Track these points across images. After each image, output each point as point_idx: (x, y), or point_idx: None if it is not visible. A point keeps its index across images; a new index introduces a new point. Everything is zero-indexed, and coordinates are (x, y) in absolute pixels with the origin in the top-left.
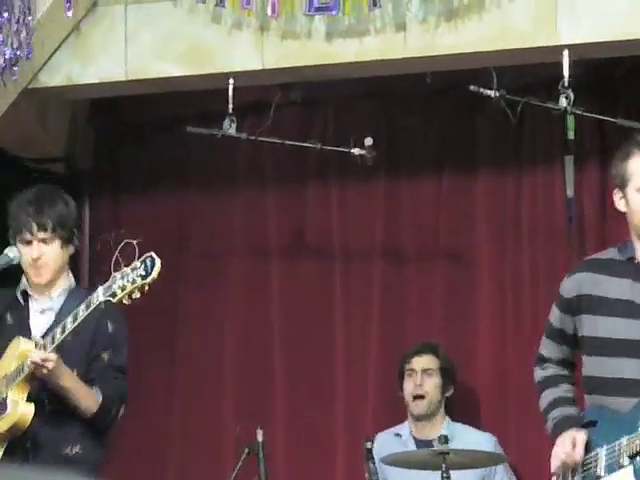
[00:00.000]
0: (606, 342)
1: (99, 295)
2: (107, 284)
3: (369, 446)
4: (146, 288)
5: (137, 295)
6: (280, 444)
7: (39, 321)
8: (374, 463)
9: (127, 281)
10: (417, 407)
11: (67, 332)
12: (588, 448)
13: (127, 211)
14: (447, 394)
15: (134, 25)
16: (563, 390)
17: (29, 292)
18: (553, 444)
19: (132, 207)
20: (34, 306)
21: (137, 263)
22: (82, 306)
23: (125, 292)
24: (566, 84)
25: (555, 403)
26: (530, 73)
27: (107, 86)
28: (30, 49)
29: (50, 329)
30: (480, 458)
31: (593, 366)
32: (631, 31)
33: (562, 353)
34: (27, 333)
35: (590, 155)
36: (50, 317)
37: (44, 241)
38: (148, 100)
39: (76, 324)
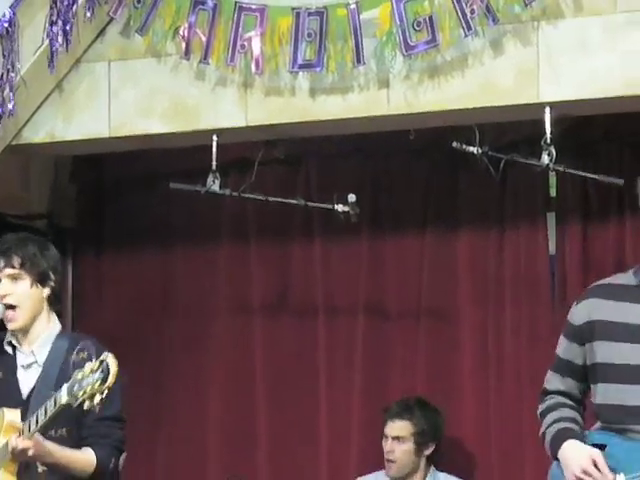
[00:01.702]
0: (625, 369)
1: (63, 396)
2: (69, 384)
3: None
4: (105, 392)
5: (98, 399)
6: None
7: (26, 376)
8: None
9: (87, 384)
10: (389, 470)
11: (40, 424)
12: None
13: (110, 268)
14: (426, 452)
15: (117, 82)
16: (563, 412)
17: (14, 342)
18: (552, 454)
19: (115, 264)
20: (20, 359)
21: (95, 364)
22: (50, 402)
23: (86, 395)
24: (548, 141)
25: (554, 421)
26: (512, 130)
27: (90, 143)
28: (13, 105)
29: (36, 387)
30: None
31: (608, 394)
32: (611, 88)
33: (565, 385)
34: (16, 390)
35: (572, 211)
36: (35, 372)
37: (13, 278)
38: (131, 156)
39: (46, 420)
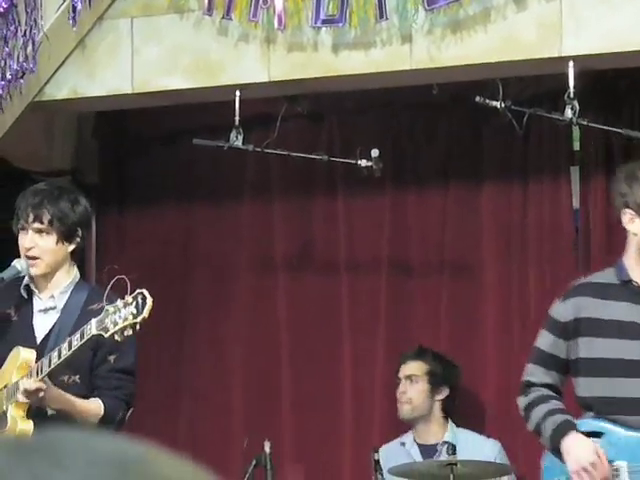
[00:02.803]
0: (608, 363)
1: (92, 328)
2: (100, 317)
3: (377, 457)
4: (137, 327)
5: (129, 332)
6: (287, 456)
7: (42, 321)
8: (382, 474)
9: (119, 317)
10: (401, 412)
11: (59, 361)
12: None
13: (133, 224)
14: (439, 397)
15: (140, 38)
16: (554, 404)
17: (32, 288)
18: (552, 446)
19: (138, 220)
20: (37, 304)
21: (129, 299)
22: (77, 335)
23: (117, 328)
24: (571, 95)
25: (549, 413)
26: (535, 84)
27: (113, 99)
28: (36, 62)
29: (53, 330)
30: (488, 469)
31: (593, 387)
32: (635, 42)
33: (550, 378)
34: (30, 333)
35: (596, 166)
36: (53, 317)
37: (39, 232)
38: (154, 113)
39: (69, 354)
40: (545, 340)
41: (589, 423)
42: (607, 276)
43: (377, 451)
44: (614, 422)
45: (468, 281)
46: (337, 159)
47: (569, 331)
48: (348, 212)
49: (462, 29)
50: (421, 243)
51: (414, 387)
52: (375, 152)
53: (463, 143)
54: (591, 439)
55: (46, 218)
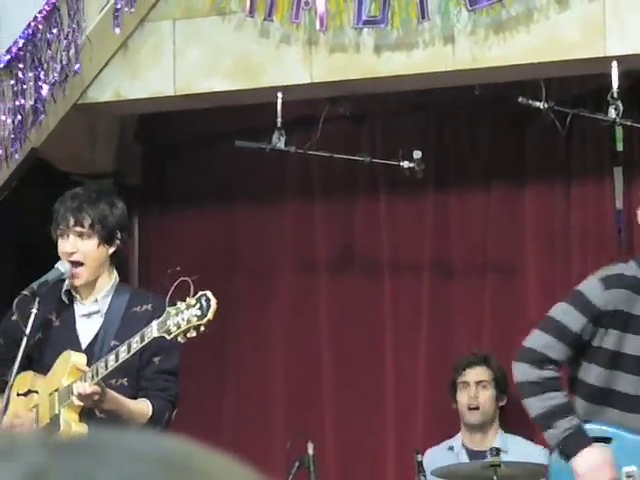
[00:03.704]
0: (637, 360)
1: (153, 330)
2: (161, 319)
3: (420, 459)
4: (202, 328)
5: (193, 334)
6: (330, 457)
7: (86, 325)
8: (425, 476)
9: (182, 319)
10: (472, 417)
11: (116, 364)
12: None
13: (175, 226)
14: (501, 404)
15: (182, 40)
16: (564, 395)
17: (73, 293)
18: (564, 455)
19: (180, 222)
20: (79, 309)
21: (192, 300)
22: (136, 337)
23: (180, 330)
24: (615, 95)
25: (561, 411)
26: (578, 84)
27: (155, 101)
28: (79, 65)
29: (99, 335)
30: (531, 470)
31: (614, 381)
32: None
33: (568, 357)
34: (75, 338)
35: (639, 166)
36: (97, 321)
37: (80, 236)
38: (196, 115)
39: (129, 356)
40: (574, 319)
41: (599, 429)
42: (633, 270)
43: (420, 453)
44: (627, 426)
45: (511, 283)
46: (379, 161)
47: (604, 320)
48: (390, 214)
49: (505, 29)
50: (464, 244)
51: (485, 393)
52: (417, 153)
53: (506, 144)
54: (601, 444)
55: (87, 222)
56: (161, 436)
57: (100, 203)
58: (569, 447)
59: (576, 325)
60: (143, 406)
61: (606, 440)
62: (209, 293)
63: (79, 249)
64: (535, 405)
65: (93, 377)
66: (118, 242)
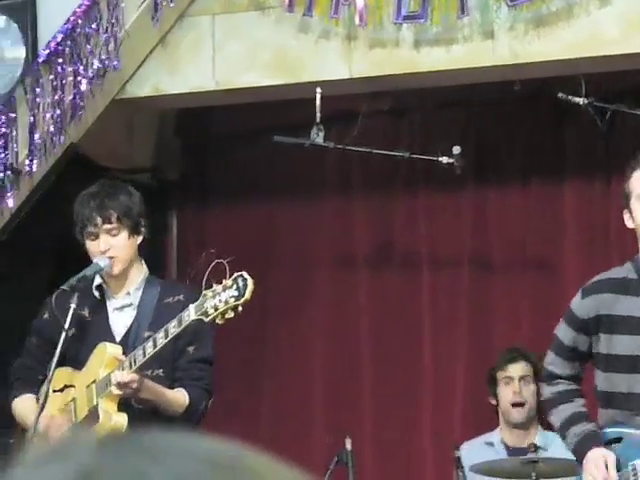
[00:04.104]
0: (627, 359)
1: (191, 313)
2: (198, 302)
3: (458, 454)
4: (239, 309)
5: (230, 315)
6: (368, 453)
7: (119, 319)
8: (463, 471)
9: (219, 300)
10: (518, 414)
11: (154, 351)
12: (617, 466)
13: (214, 221)
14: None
15: (222, 35)
16: (578, 405)
17: (104, 288)
18: (578, 461)
19: (219, 217)
20: (112, 303)
21: (228, 282)
22: (174, 322)
23: (218, 311)
24: None
25: (573, 419)
26: (619, 80)
27: (194, 96)
28: (118, 60)
29: (132, 327)
30: (571, 467)
31: (612, 382)
32: None
33: (572, 369)
34: (109, 332)
35: None
36: (130, 313)
37: (110, 232)
38: (235, 110)
39: (167, 341)
40: (565, 333)
41: (612, 431)
42: (625, 271)
43: (458, 448)
44: (632, 423)
45: (550, 279)
46: (418, 156)
47: (590, 327)
48: (429, 209)
49: (545, 25)
50: (502, 240)
51: (529, 388)
52: (457, 149)
53: (545, 140)
54: (612, 446)
55: (114, 217)
56: (211, 437)
57: (120, 195)
58: (578, 452)
59: (566, 338)
60: (180, 395)
61: (618, 441)
62: (245, 273)
63: (112, 245)
64: (553, 420)
65: (131, 366)
66: (143, 230)
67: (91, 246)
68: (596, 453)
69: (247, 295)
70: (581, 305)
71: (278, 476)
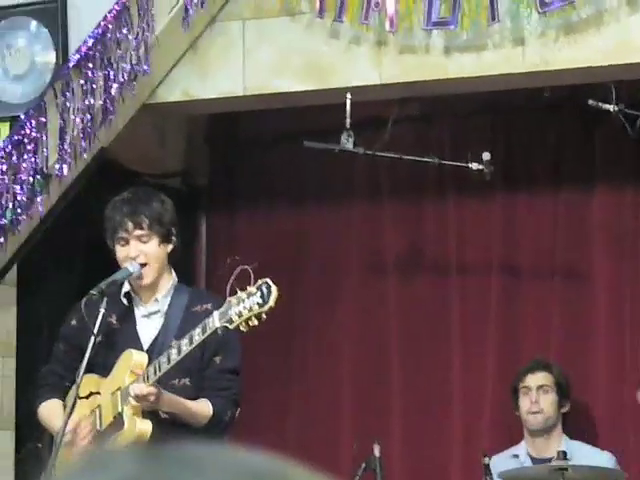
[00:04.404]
0: None
1: (215, 320)
2: (222, 309)
3: (486, 462)
4: (263, 316)
5: (255, 322)
6: (396, 459)
7: (147, 326)
8: (492, 478)
9: (244, 307)
10: (535, 420)
11: (178, 358)
12: None
13: (243, 226)
14: (563, 410)
15: (252, 40)
16: None
17: (132, 295)
18: None
19: (248, 222)
20: (140, 310)
21: (252, 289)
22: (198, 329)
23: (242, 319)
24: None
25: None
26: None
27: (224, 101)
28: (148, 65)
29: (160, 334)
30: (599, 475)
31: None
32: None
33: None
34: (136, 339)
35: None
36: (157, 321)
37: (141, 239)
38: (265, 115)
39: (191, 348)
40: None
41: None
42: None
43: (487, 455)
44: None
45: (579, 285)
46: (448, 162)
47: None
48: (458, 215)
49: (575, 32)
50: (532, 247)
51: (547, 397)
52: (486, 155)
53: (575, 146)
54: None
55: (145, 223)
56: (251, 451)
57: (152, 202)
58: None
59: None
60: (204, 406)
61: None
62: (269, 280)
63: (142, 251)
64: None
65: (155, 372)
66: (174, 239)
67: (121, 252)
68: None
69: (271, 302)
70: None
71: None
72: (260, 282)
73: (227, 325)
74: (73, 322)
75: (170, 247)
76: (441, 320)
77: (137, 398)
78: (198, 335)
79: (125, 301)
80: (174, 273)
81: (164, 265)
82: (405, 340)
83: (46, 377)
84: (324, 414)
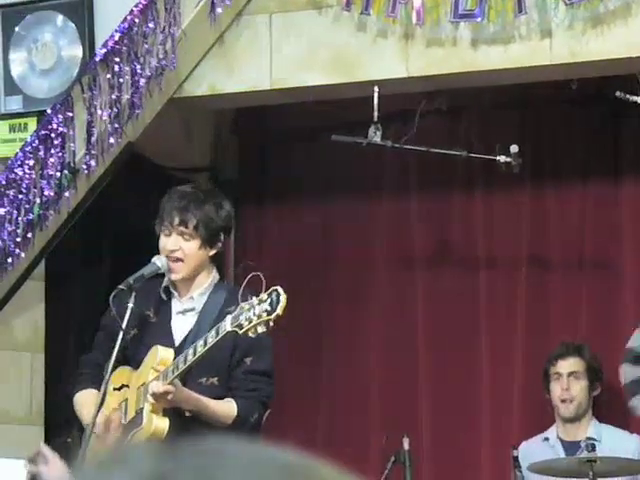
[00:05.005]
0: None
1: (227, 324)
2: (235, 313)
3: (515, 454)
4: (271, 324)
5: (262, 329)
6: (425, 452)
7: (180, 323)
8: (521, 471)
9: (253, 314)
10: (566, 409)
11: (194, 359)
12: None
13: (272, 220)
14: (595, 393)
15: (279, 34)
16: None
17: (171, 290)
18: None
19: (277, 216)
20: (176, 306)
21: (264, 295)
22: (212, 332)
23: (251, 325)
24: None
25: None
26: None
27: (251, 95)
28: (175, 59)
29: (191, 332)
30: (628, 465)
31: None
32: None
33: None
34: (169, 335)
35: None
36: (191, 319)
37: (183, 235)
38: (292, 109)
39: (204, 350)
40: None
41: None
42: None
43: (516, 448)
44: None
45: (608, 278)
46: (476, 155)
47: None
48: (486, 208)
49: (602, 23)
50: (560, 239)
51: (578, 384)
52: (514, 148)
53: (603, 138)
54: None
55: (192, 223)
56: (277, 447)
57: (206, 204)
58: None
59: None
60: (227, 406)
61: None
62: (279, 289)
63: (181, 247)
64: (634, 404)
65: (173, 371)
66: (220, 244)
67: (162, 241)
68: None
69: (279, 311)
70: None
71: None
72: (272, 289)
73: (237, 330)
74: (113, 313)
75: (213, 252)
76: (469, 314)
77: (154, 396)
78: (211, 337)
79: (164, 296)
80: (215, 272)
81: (202, 266)
82: (433, 334)
83: (86, 366)
84: (353, 409)
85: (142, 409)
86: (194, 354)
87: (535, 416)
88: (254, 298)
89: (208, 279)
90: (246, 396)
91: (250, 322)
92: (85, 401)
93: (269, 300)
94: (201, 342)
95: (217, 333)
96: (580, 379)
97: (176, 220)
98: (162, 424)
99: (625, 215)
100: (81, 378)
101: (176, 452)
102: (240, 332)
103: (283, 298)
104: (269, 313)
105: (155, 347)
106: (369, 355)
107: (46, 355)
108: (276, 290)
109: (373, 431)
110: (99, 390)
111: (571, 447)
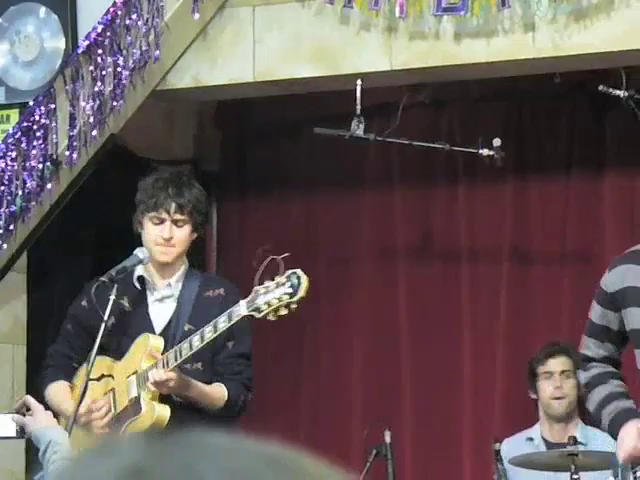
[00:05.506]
0: None
1: (241, 309)
2: (250, 298)
3: (497, 447)
4: (293, 306)
5: (284, 312)
6: (407, 445)
7: (159, 310)
8: (502, 464)
9: (273, 297)
10: (559, 406)
11: (201, 345)
12: None
13: (254, 212)
14: (580, 393)
15: (262, 26)
16: (614, 385)
17: (146, 278)
18: (614, 438)
19: (259, 208)
20: (153, 294)
21: (282, 279)
22: (223, 317)
23: (271, 308)
24: None
25: (608, 398)
26: None
27: (234, 88)
28: (158, 51)
29: (172, 317)
30: (610, 460)
31: None
32: None
33: (606, 350)
34: (148, 323)
35: None
36: (170, 306)
37: (176, 223)
38: (275, 102)
39: (216, 335)
40: (594, 311)
41: None
42: None
43: (499, 441)
44: None
45: (590, 271)
46: (459, 148)
47: (616, 302)
48: (469, 201)
49: (585, 17)
50: (543, 232)
51: (569, 382)
52: (497, 141)
53: (585, 132)
54: None
55: (187, 208)
56: (261, 440)
57: (194, 188)
58: (612, 429)
59: (596, 316)
60: (219, 390)
61: None
62: (299, 271)
63: (175, 235)
64: (589, 406)
65: (176, 358)
66: (202, 230)
67: (152, 230)
68: (630, 425)
69: (302, 292)
70: (607, 278)
71: (330, 477)
72: (290, 272)
73: (254, 314)
74: (83, 303)
75: (195, 235)
76: (452, 306)
77: (156, 384)
78: (224, 323)
79: (138, 285)
80: (186, 259)
81: (185, 250)
82: (416, 327)
83: (53, 358)
84: (335, 400)
85: (137, 398)
86: (201, 340)
87: (516, 408)
88: (270, 282)
89: (182, 266)
90: (232, 379)
91: (270, 305)
92: (58, 392)
93: (289, 283)
94: (209, 327)
95: (230, 318)
96: (570, 377)
97: (173, 208)
98: (164, 411)
99: (608, 208)
100: (50, 370)
101: (161, 446)
102: (259, 316)
103: (304, 280)
104: (292, 295)
105: (145, 335)
106: (351, 348)
107: (28, 347)
108: (295, 272)
109: (355, 424)
110: (70, 382)
111: (556, 448)
